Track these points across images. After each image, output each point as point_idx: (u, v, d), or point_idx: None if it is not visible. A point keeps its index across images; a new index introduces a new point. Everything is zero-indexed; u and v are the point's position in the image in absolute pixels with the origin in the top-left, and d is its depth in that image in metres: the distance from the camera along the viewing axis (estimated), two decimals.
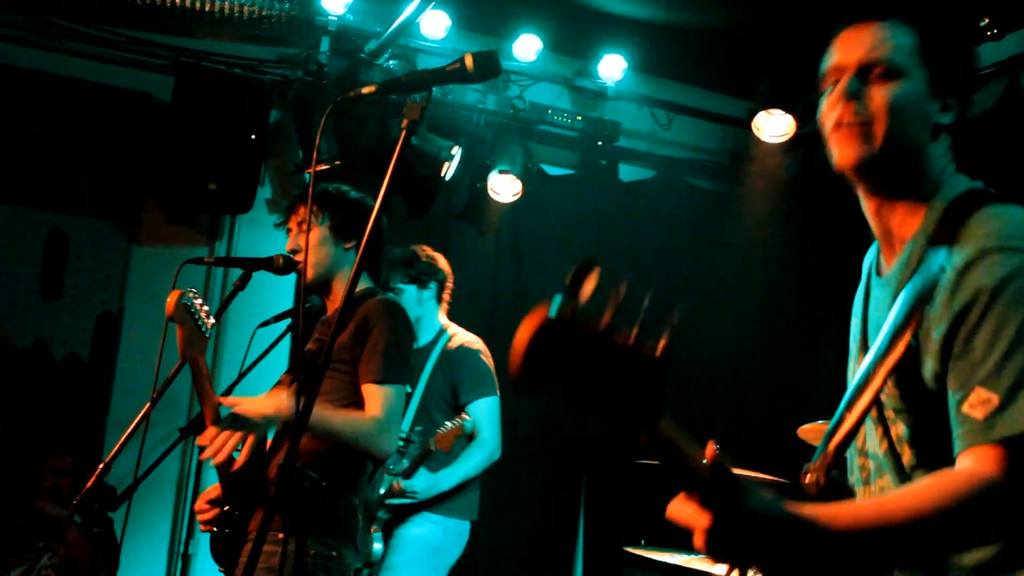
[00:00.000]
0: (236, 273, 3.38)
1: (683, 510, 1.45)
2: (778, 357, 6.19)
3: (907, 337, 1.64)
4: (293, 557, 3.04)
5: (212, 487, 3.33)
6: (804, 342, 6.12)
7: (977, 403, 1.53)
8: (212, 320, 3.02)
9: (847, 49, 1.74)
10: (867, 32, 1.71)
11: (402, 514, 4.44)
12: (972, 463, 1.52)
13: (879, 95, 1.69)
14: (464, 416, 4.41)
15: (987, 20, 4.77)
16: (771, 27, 5.36)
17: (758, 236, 5.86)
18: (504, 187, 5.63)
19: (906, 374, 1.67)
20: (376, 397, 3.12)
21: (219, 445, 2.85)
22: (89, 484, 3.11)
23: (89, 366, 5.18)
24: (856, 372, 1.77)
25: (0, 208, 4.97)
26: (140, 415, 3.05)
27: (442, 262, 4.67)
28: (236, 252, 5.41)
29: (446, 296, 4.76)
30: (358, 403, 3.18)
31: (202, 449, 3.03)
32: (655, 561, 4.13)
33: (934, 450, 1.66)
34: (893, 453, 1.75)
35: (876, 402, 1.72)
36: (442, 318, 4.72)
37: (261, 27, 5.19)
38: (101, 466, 3.04)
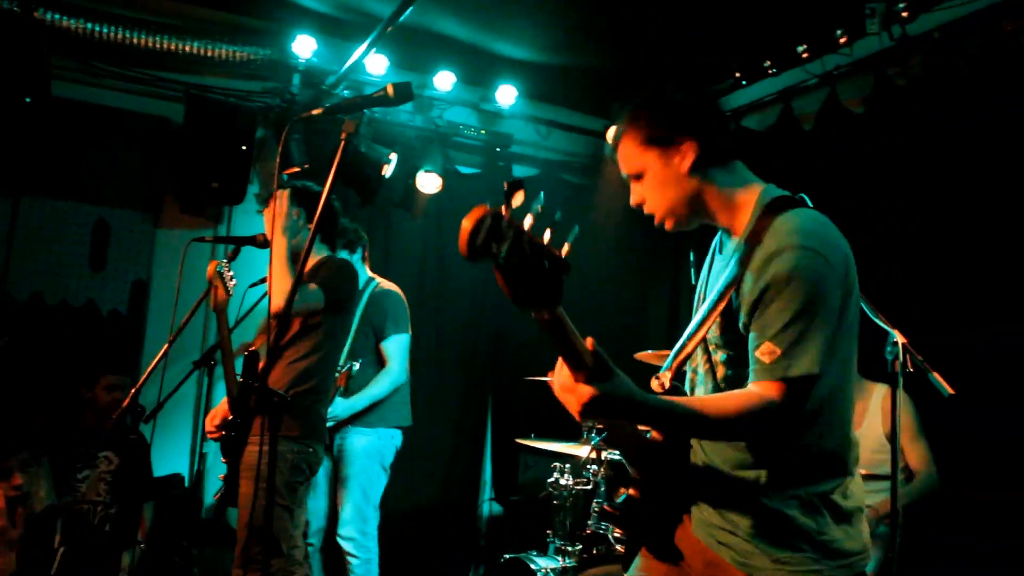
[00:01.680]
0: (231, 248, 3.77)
1: (567, 384, 1.70)
2: (624, 302, 6.75)
3: (729, 295, 1.93)
4: (283, 454, 3.40)
5: (215, 409, 3.66)
6: (642, 291, 6.79)
7: (766, 352, 1.81)
8: (235, 281, 3.41)
9: (621, 164, 2.09)
10: (619, 151, 2.08)
11: (336, 433, 4.72)
12: (760, 389, 1.84)
13: (641, 192, 2.07)
14: (354, 363, 4.63)
15: (768, 62, 5.68)
16: (620, 65, 6.15)
17: (612, 216, 6.40)
18: (429, 183, 6.22)
19: (727, 320, 1.96)
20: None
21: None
22: (125, 403, 3.54)
23: (127, 319, 5.82)
24: (696, 315, 2.06)
25: (59, 203, 5.70)
26: (161, 352, 3.47)
27: (362, 231, 4.95)
28: (232, 233, 5.93)
29: (367, 255, 4.98)
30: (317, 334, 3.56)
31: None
32: (540, 448, 4.58)
33: (739, 371, 1.99)
34: (712, 372, 2.07)
35: (705, 337, 2.02)
36: (368, 271, 4.98)
37: (249, 67, 5.80)
38: (134, 390, 3.49)
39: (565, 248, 1.49)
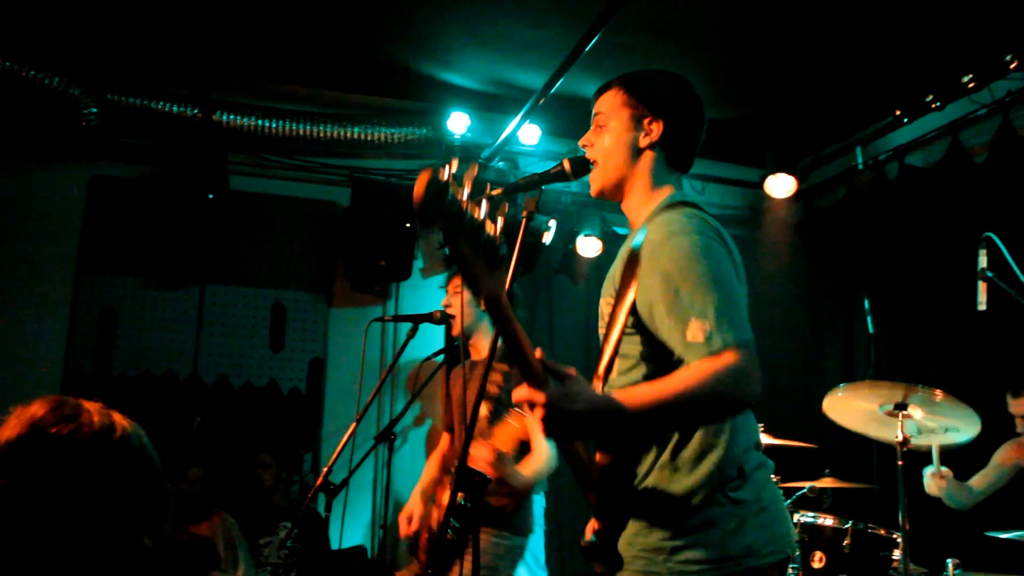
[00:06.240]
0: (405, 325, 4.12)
1: (524, 392, 1.61)
2: (795, 352, 6.46)
3: (632, 287, 1.91)
4: (512, 549, 3.52)
5: (408, 507, 3.78)
6: (814, 341, 6.51)
7: (697, 331, 1.75)
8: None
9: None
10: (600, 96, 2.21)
11: None
12: (708, 361, 1.73)
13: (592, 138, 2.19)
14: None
15: (931, 96, 5.45)
16: (772, 112, 6.22)
17: (778, 263, 6.42)
18: (588, 246, 6.32)
19: (634, 314, 1.93)
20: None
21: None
22: (319, 482, 3.63)
23: (307, 396, 6.10)
24: (607, 314, 2.01)
25: (240, 289, 6.11)
26: (350, 430, 3.53)
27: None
28: (400, 310, 6.20)
29: None
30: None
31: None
32: None
33: (640, 370, 1.98)
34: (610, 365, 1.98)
35: (621, 337, 1.94)
36: None
37: (408, 147, 6.09)
38: (326, 468, 3.54)
39: (495, 226, 1.43)
